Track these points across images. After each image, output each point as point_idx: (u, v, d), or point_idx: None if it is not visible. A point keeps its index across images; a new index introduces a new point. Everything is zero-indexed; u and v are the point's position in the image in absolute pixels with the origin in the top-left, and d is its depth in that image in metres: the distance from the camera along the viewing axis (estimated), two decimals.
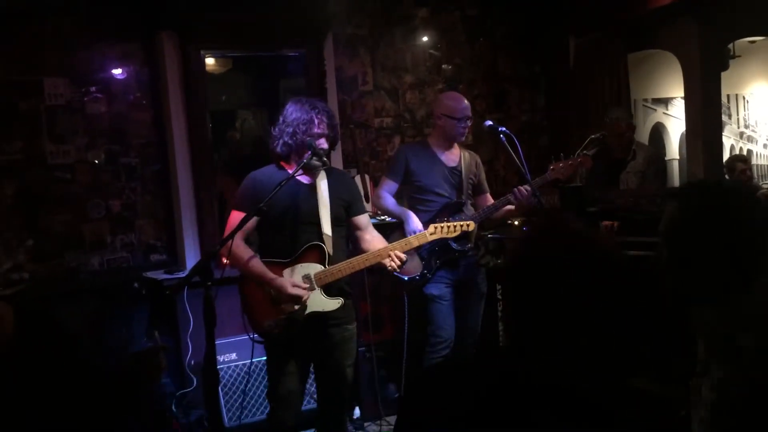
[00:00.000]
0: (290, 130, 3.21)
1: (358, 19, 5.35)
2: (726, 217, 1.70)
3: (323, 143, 3.23)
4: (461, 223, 3.49)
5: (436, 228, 3.46)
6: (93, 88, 4.54)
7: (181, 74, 4.63)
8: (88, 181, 4.54)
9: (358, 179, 5.13)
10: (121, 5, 4.52)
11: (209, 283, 2.68)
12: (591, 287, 1.31)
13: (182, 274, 4.46)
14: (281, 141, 3.24)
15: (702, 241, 1.70)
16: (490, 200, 4.23)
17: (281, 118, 3.27)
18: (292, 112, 3.23)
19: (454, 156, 4.18)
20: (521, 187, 3.90)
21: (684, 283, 1.75)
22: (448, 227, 3.45)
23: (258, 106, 6.47)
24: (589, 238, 1.37)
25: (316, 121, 3.21)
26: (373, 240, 3.42)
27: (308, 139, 3.18)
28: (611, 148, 4.75)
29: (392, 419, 4.38)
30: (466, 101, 4.13)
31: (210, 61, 5.18)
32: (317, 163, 3.21)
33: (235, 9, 4.56)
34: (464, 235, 4.03)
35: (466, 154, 4.23)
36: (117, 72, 4.61)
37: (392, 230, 4.10)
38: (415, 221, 3.95)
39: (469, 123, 4.12)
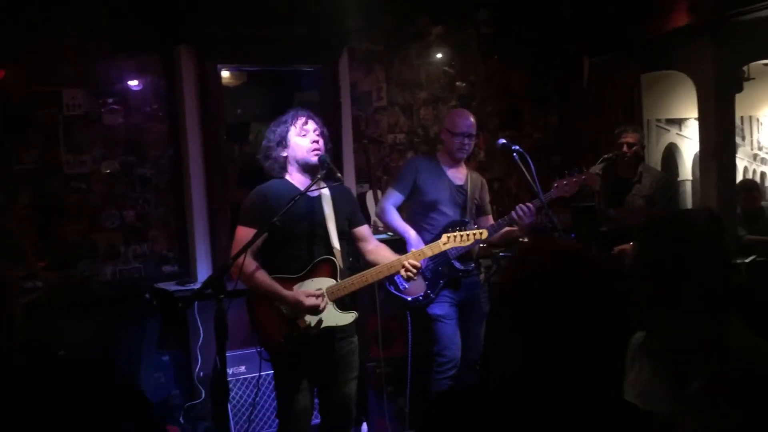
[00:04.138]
0: (269, 145, 3.21)
1: (373, 35, 5.39)
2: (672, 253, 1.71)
3: (314, 137, 3.18)
4: (474, 231, 3.41)
5: (449, 237, 3.37)
6: (110, 100, 4.59)
7: (197, 87, 4.68)
8: (103, 191, 4.58)
9: (370, 194, 5.16)
10: (139, 19, 4.58)
11: (221, 297, 2.68)
12: (586, 303, 1.32)
13: (194, 286, 4.48)
14: (268, 161, 3.23)
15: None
16: (491, 222, 4.16)
17: (264, 142, 3.26)
18: (268, 133, 3.24)
19: (461, 174, 4.15)
20: (522, 206, 3.83)
21: (654, 317, 1.77)
22: (461, 236, 3.39)
23: (272, 119, 6.50)
24: (581, 254, 1.38)
25: (291, 122, 3.19)
26: (378, 249, 3.37)
27: (314, 145, 3.17)
28: (618, 168, 4.69)
29: None
30: (471, 119, 4.07)
31: (225, 74, 5.23)
32: (331, 178, 3.21)
33: (252, 24, 4.61)
34: (468, 254, 4.02)
35: (473, 174, 4.20)
36: (134, 84, 4.66)
37: (392, 247, 4.04)
38: (414, 241, 3.89)
39: (469, 141, 4.05)
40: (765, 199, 6.10)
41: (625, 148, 4.60)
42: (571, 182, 3.91)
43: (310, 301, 3.08)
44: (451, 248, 3.52)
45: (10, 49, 4.30)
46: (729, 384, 1.62)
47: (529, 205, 3.82)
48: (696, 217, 1.83)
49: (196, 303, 4.14)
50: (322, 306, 3.10)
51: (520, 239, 4.53)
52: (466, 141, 4.04)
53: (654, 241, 1.76)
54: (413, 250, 3.50)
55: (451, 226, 3.93)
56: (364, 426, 4.46)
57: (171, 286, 4.50)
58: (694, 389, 1.66)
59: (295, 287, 3.15)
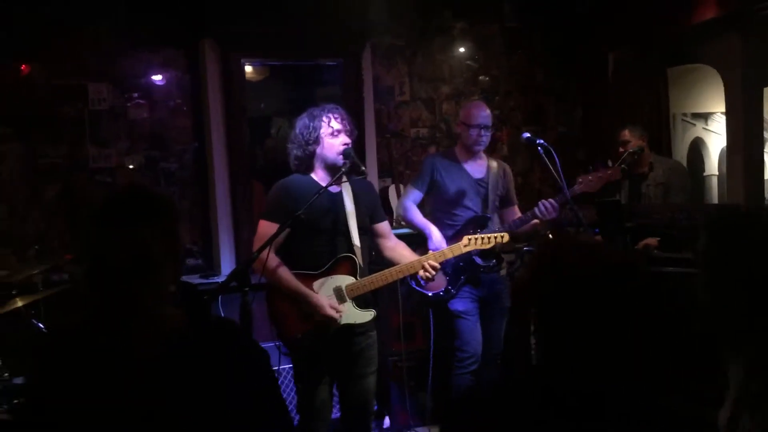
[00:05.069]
0: (298, 140, 3.19)
1: (396, 29, 5.37)
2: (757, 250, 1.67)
3: (345, 138, 3.17)
4: (496, 234, 3.48)
5: (470, 240, 3.43)
6: (135, 94, 4.63)
7: (221, 81, 4.71)
8: (128, 184, 4.62)
9: (392, 189, 5.16)
10: (164, 14, 4.61)
11: (246, 289, 2.70)
12: (608, 299, 1.32)
13: (217, 279, 4.51)
14: (292, 155, 3.23)
15: (733, 275, 1.67)
16: (518, 212, 4.11)
17: (292, 135, 3.26)
18: (298, 125, 3.23)
19: (480, 167, 4.07)
20: (545, 201, 3.80)
21: (717, 317, 1.73)
22: (482, 239, 3.44)
23: (294, 113, 6.51)
24: (602, 250, 1.38)
25: (325, 120, 3.16)
26: (396, 247, 3.38)
27: (345, 147, 3.17)
28: (632, 164, 4.73)
29: (422, 429, 4.37)
30: (486, 110, 3.98)
31: (248, 69, 5.25)
32: (354, 172, 3.21)
33: (275, 18, 4.62)
34: (490, 251, 3.98)
35: (494, 164, 4.10)
36: (159, 78, 4.69)
37: (412, 243, 3.91)
38: (436, 238, 3.85)
39: (485, 132, 3.95)
40: None
41: (620, 149, 4.69)
42: (596, 177, 3.87)
43: (331, 312, 3.10)
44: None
45: (36, 45, 4.35)
46: None
47: (552, 201, 3.79)
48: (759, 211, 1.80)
49: (220, 296, 4.16)
50: (338, 318, 3.12)
51: (543, 234, 4.52)
52: (483, 132, 3.95)
53: (719, 238, 1.72)
54: (433, 251, 3.50)
55: (473, 222, 3.96)
56: (387, 420, 4.47)
57: (195, 280, 4.54)
58: (755, 388, 1.63)
59: (315, 284, 3.16)
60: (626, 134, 4.74)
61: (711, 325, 1.73)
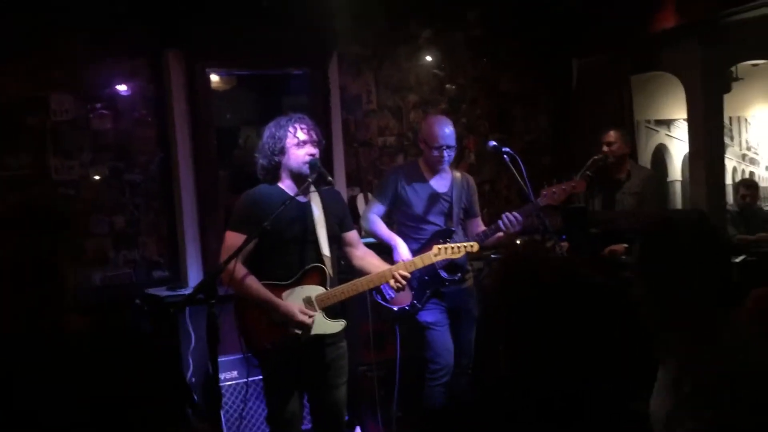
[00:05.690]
0: (264, 150, 3.17)
1: (362, 38, 5.37)
2: (685, 253, 1.72)
3: (311, 149, 3.15)
4: (466, 243, 3.48)
5: (440, 249, 3.43)
6: (99, 105, 4.56)
7: (186, 92, 4.66)
8: (92, 197, 4.54)
9: (361, 198, 5.16)
10: (128, 23, 4.55)
11: (213, 301, 2.67)
12: (576, 306, 1.34)
13: (184, 291, 4.45)
14: (258, 164, 3.21)
15: (666, 276, 1.73)
16: (480, 224, 4.10)
17: (259, 145, 3.23)
18: (265, 135, 3.20)
19: (444, 180, 4.02)
20: (509, 214, 3.78)
21: (655, 319, 1.78)
22: (452, 248, 3.44)
23: (261, 123, 6.46)
24: (562, 264, 1.40)
25: (291, 130, 3.14)
26: (365, 256, 3.37)
27: (310, 158, 3.15)
28: (608, 168, 4.72)
29: None
30: (448, 128, 3.88)
31: (214, 78, 5.21)
32: (321, 182, 3.19)
33: (241, 28, 4.59)
34: (455, 264, 3.94)
35: (458, 176, 4.06)
36: (123, 89, 4.63)
37: (379, 252, 3.81)
38: (401, 250, 3.79)
39: (448, 152, 3.89)
40: (760, 198, 6.12)
41: (605, 148, 4.67)
42: (560, 190, 3.85)
43: (303, 318, 3.07)
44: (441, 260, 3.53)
45: None
46: (721, 383, 1.62)
47: (516, 214, 3.78)
48: (685, 218, 1.86)
49: (187, 308, 4.11)
50: (310, 323, 3.10)
51: (509, 243, 4.54)
52: (446, 152, 3.89)
53: (648, 247, 1.78)
54: (403, 261, 3.49)
55: (438, 235, 3.93)
56: (358, 430, 4.45)
57: (162, 292, 4.47)
58: (688, 389, 1.66)
59: (284, 294, 3.13)
60: (612, 135, 4.68)
61: (647, 324, 1.78)
